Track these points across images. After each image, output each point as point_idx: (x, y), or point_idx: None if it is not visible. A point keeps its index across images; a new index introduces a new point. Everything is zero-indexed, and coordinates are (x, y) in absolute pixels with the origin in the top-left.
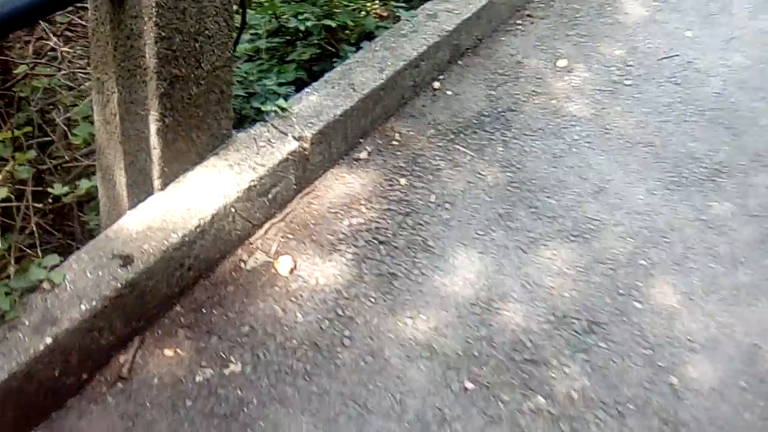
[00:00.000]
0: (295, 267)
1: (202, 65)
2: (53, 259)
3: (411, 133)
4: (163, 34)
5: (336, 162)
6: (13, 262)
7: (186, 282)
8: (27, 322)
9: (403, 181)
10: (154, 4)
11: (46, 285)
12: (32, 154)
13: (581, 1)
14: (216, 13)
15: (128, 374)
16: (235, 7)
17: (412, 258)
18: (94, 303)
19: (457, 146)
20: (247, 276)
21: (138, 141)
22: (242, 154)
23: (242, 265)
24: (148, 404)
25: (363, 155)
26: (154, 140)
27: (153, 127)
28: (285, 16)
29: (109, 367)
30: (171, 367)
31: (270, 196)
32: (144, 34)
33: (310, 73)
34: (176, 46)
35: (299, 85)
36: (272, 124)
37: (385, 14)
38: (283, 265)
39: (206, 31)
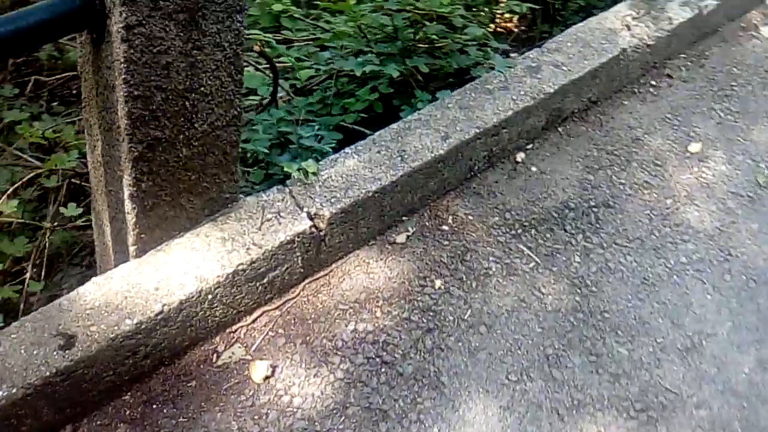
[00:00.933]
0: (272, 375)
1: (196, 125)
2: None
3: (469, 217)
4: (136, 92)
5: (365, 242)
6: None
7: (140, 370)
8: None
9: (438, 283)
10: (122, 59)
11: None
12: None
13: (745, 62)
14: (216, 67)
15: None
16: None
17: (415, 395)
18: (14, 390)
19: (522, 246)
20: (215, 373)
21: (117, 199)
22: (242, 226)
23: (214, 357)
24: None
25: (400, 238)
26: (127, 205)
27: (126, 192)
28: (343, 52)
29: None
30: None
31: (265, 280)
32: (116, 89)
33: (372, 120)
34: (156, 105)
35: (351, 136)
36: (291, 191)
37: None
38: (258, 370)
39: (201, 88)
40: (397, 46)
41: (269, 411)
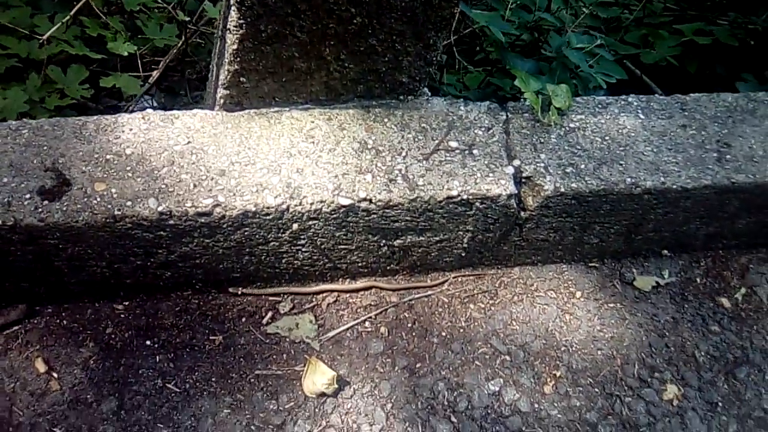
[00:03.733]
0: (332, 388)
1: None
2: None
3: None
4: None
5: (581, 261)
6: None
7: (142, 277)
8: None
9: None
10: None
11: None
12: None
13: None
14: None
15: None
16: None
17: None
18: None
19: None
20: (257, 341)
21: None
22: (401, 136)
23: (263, 322)
24: None
25: (644, 282)
26: (233, 18)
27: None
28: None
29: None
30: None
31: (396, 242)
32: None
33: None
34: None
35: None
36: (507, 121)
37: None
38: (315, 372)
39: None
40: None
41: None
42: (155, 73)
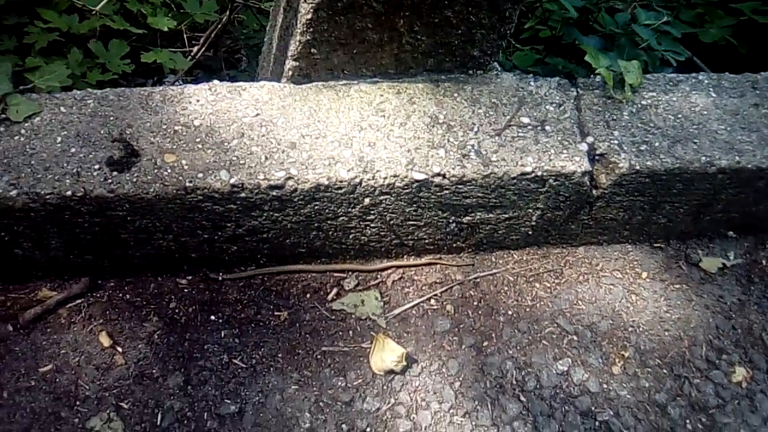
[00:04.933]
0: (400, 365)
1: None
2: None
3: None
4: None
5: (647, 241)
6: None
7: (206, 250)
8: None
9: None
10: None
11: None
12: None
13: None
14: None
15: None
16: None
17: None
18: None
19: None
20: (322, 318)
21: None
22: (472, 111)
23: (328, 298)
24: None
25: (710, 263)
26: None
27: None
28: None
29: None
30: None
31: (466, 219)
32: None
33: None
34: None
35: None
36: (578, 97)
37: None
38: (383, 348)
39: None
40: None
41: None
42: (197, 48)
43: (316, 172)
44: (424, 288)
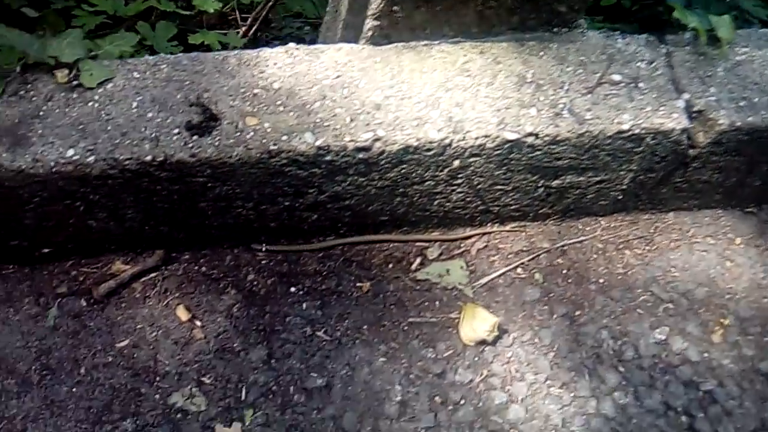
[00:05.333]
0: (493, 336)
1: None
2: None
3: None
4: None
5: (747, 204)
6: None
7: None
8: None
9: None
10: None
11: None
12: None
13: None
14: None
15: None
16: None
17: None
18: None
19: None
20: (408, 288)
21: None
22: (560, 70)
23: (412, 267)
24: None
25: None
26: None
27: None
28: None
29: None
30: None
31: (555, 182)
32: None
33: None
34: None
35: None
36: (669, 53)
37: None
38: (475, 318)
39: None
40: None
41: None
42: (247, 26)
43: (405, 132)
44: (510, 256)
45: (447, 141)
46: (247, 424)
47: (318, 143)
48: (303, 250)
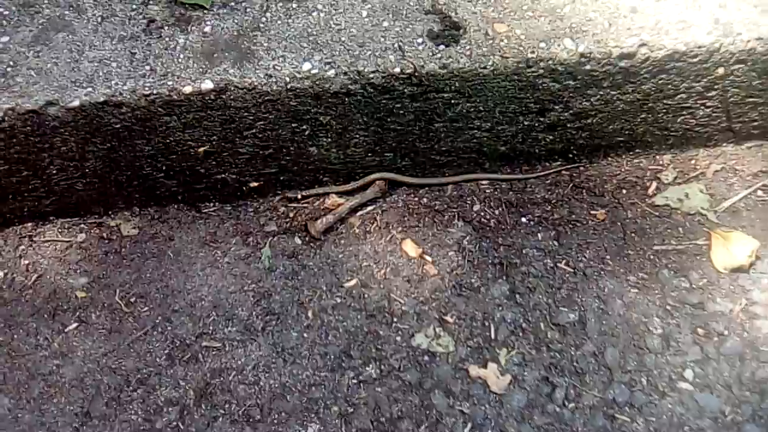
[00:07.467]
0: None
1: None
2: None
3: None
4: None
5: None
6: None
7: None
8: None
9: None
10: None
11: None
12: None
13: None
14: None
15: None
16: None
17: None
18: None
19: None
20: (646, 214)
21: None
22: None
23: (648, 193)
24: None
25: None
26: None
27: None
28: None
29: None
30: None
31: None
32: None
33: None
34: None
35: None
36: None
37: None
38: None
39: None
40: None
41: None
42: None
43: (671, 37)
44: (749, 178)
45: (716, 45)
46: (503, 364)
47: (580, 50)
48: (527, 178)
